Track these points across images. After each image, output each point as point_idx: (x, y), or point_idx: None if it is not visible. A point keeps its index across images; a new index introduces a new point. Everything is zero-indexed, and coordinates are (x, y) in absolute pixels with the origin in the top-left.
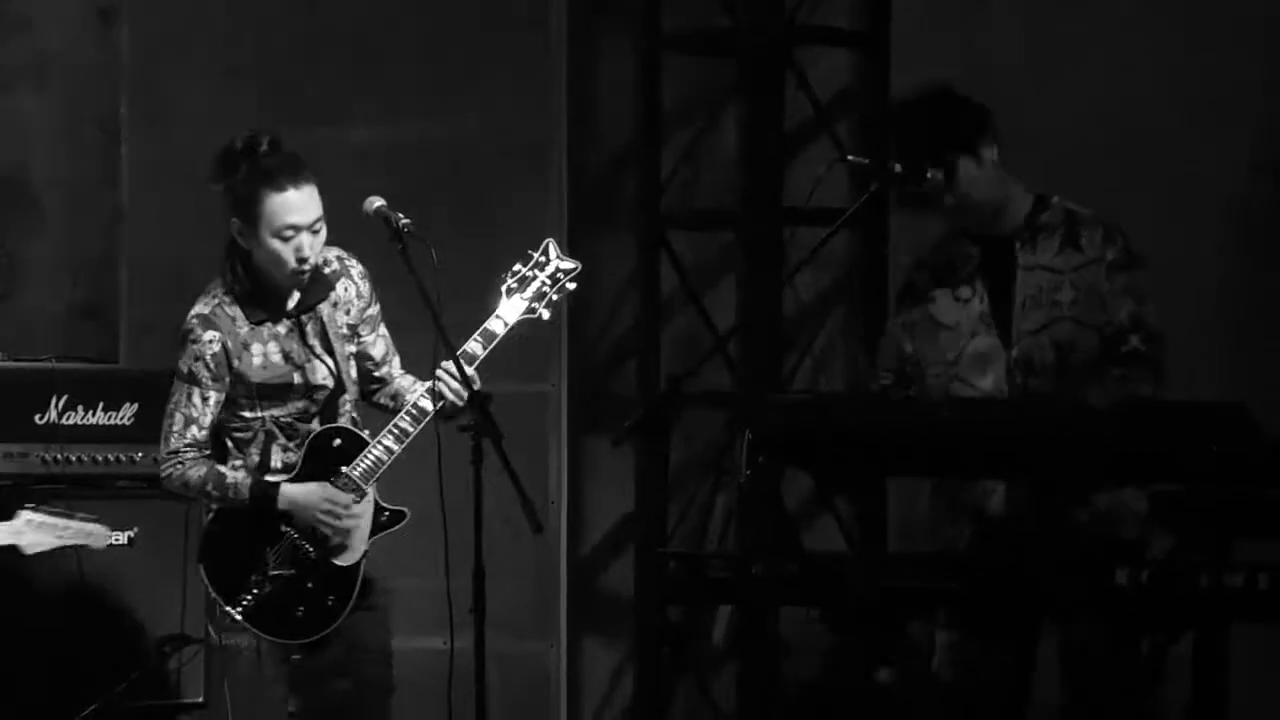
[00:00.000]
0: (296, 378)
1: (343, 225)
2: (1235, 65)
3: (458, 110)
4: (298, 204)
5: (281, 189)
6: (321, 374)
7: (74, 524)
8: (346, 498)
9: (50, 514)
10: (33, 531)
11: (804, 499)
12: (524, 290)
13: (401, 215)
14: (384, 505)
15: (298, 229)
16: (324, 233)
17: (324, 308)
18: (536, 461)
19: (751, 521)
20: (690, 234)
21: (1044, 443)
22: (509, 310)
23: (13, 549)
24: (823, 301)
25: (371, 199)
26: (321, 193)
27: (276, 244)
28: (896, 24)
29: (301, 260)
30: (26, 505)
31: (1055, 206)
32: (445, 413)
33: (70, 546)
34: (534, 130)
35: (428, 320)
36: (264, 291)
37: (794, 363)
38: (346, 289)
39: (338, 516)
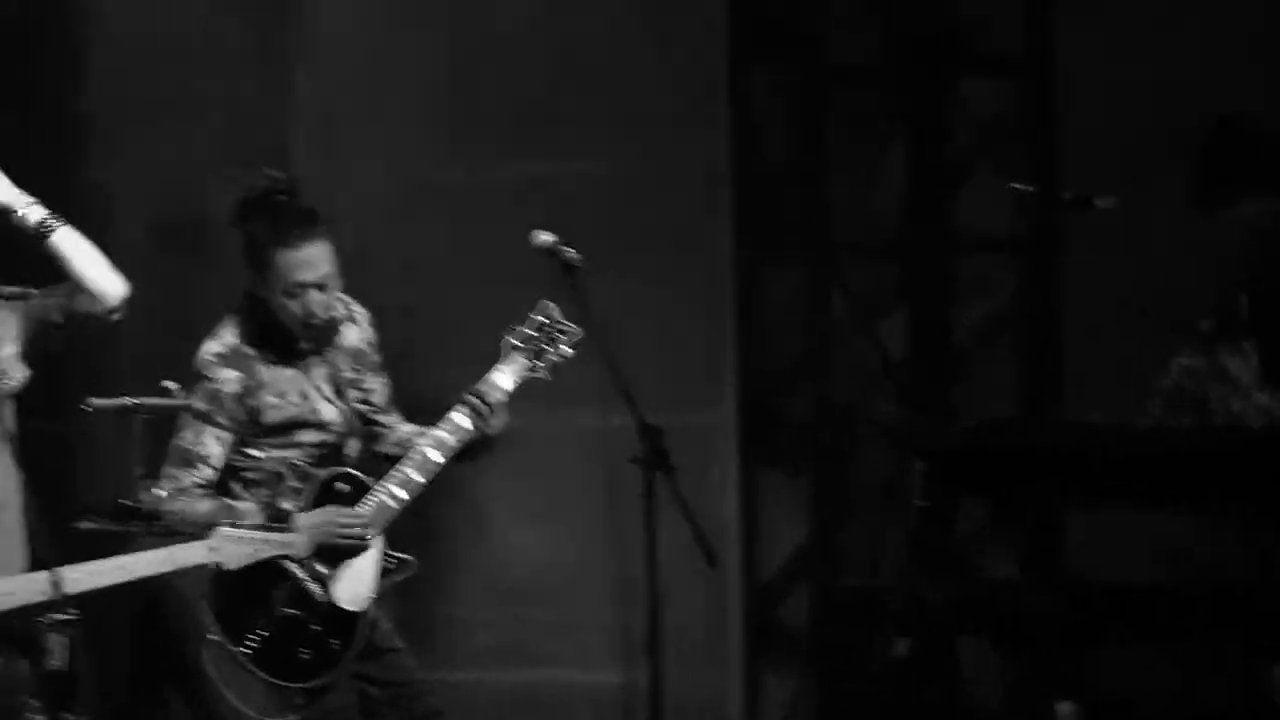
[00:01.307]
0: (308, 420)
1: (514, 259)
2: None
3: (623, 145)
4: (307, 261)
5: (293, 246)
6: (330, 417)
7: (272, 535)
8: (359, 514)
9: (246, 528)
10: (231, 545)
11: (979, 526)
12: (527, 349)
13: (569, 249)
14: (391, 554)
15: (305, 286)
16: (336, 287)
17: (332, 352)
18: (709, 493)
19: (926, 550)
20: (858, 262)
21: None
22: (511, 367)
23: (216, 566)
24: (990, 329)
25: (540, 233)
26: (491, 226)
27: (284, 300)
28: (1062, 52)
29: (310, 315)
30: (223, 522)
31: None
32: (459, 455)
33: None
34: (700, 163)
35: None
36: (276, 336)
37: (963, 391)
38: (353, 334)
39: (353, 526)
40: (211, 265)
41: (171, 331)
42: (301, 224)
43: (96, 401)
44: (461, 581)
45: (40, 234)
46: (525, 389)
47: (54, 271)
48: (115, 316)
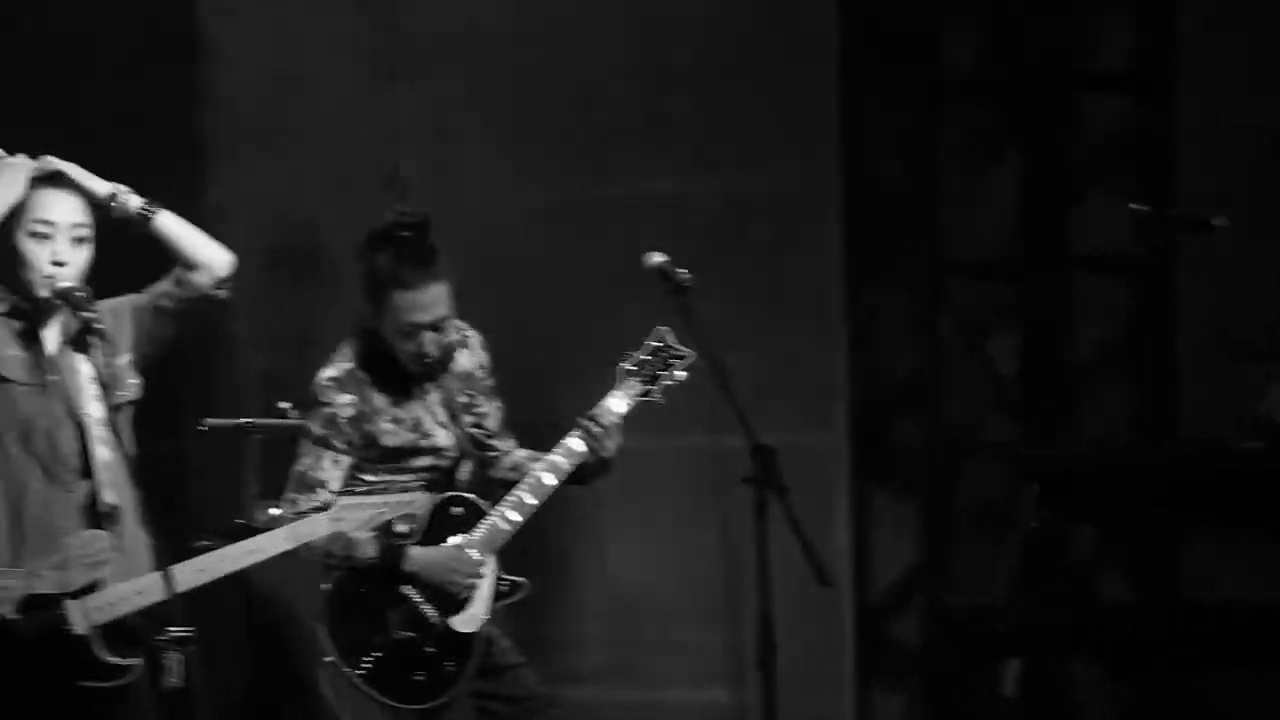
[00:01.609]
0: (422, 444)
1: (628, 278)
2: None
3: (734, 165)
4: (422, 304)
5: (410, 288)
6: (444, 442)
7: (392, 497)
8: (473, 559)
9: (359, 495)
10: (353, 511)
11: (1091, 548)
12: (640, 373)
13: (681, 270)
14: (504, 576)
15: (420, 328)
16: (450, 328)
17: (447, 378)
18: (820, 512)
19: (1040, 572)
20: (970, 282)
21: None
22: (625, 392)
23: (340, 535)
24: (1104, 351)
25: (652, 254)
26: (604, 245)
27: (400, 338)
28: (1181, 68)
29: (423, 356)
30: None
31: None
32: (572, 476)
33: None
34: (809, 182)
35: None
36: (392, 363)
37: (1075, 413)
38: (468, 359)
39: (465, 576)
40: (326, 288)
41: (286, 353)
42: (420, 265)
43: (213, 422)
44: (574, 600)
45: (143, 217)
46: (638, 410)
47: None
48: (224, 292)
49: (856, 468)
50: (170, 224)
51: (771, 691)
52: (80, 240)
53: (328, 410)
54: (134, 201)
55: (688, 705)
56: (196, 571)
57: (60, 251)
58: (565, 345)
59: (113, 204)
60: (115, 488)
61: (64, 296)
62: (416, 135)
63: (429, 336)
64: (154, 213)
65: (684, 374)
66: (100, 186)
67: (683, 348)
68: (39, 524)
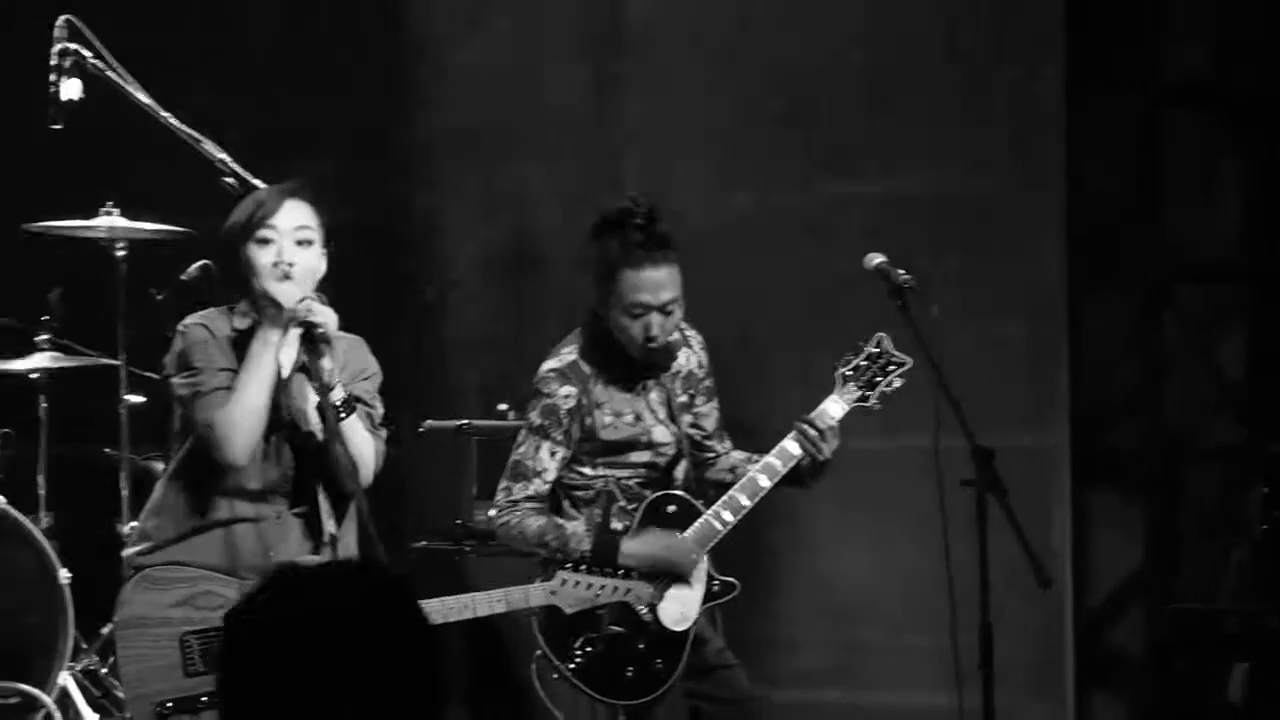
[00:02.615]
0: (642, 440)
1: (847, 280)
2: None
3: (955, 167)
4: (652, 284)
5: (639, 267)
6: (663, 439)
7: (611, 582)
8: (687, 554)
9: (587, 573)
10: (571, 590)
11: None
12: (858, 379)
13: (902, 271)
14: (715, 575)
15: (648, 308)
16: (678, 314)
17: (667, 376)
18: (1040, 516)
19: (1268, 574)
20: (1193, 287)
21: None
22: (844, 396)
23: (554, 609)
24: None
25: (872, 255)
26: (823, 247)
27: (626, 320)
28: None
29: (650, 339)
30: (564, 566)
31: None
32: (790, 478)
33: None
34: (1033, 184)
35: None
36: (615, 356)
37: None
38: (688, 359)
39: (678, 565)
40: (544, 290)
41: (504, 355)
42: (651, 246)
43: (432, 423)
44: (790, 602)
45: (338, 412)
46: (855, 414)
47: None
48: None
49: (1077, 470)
50: (355, 426)
51: (991, 695)
52: (303, 243)
53: (548, 401)
54: (340, 395)
55: (906, 708)
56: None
57: (285, 251)
58: (783, 347)
59: (329, 388)
60: (338, 516)
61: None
62: (634, 143)
63: (655, 319)
64: (352, 409)
65: (902, 381)
66: (328, 367)
67: (901, 354)
68: (254, 537)
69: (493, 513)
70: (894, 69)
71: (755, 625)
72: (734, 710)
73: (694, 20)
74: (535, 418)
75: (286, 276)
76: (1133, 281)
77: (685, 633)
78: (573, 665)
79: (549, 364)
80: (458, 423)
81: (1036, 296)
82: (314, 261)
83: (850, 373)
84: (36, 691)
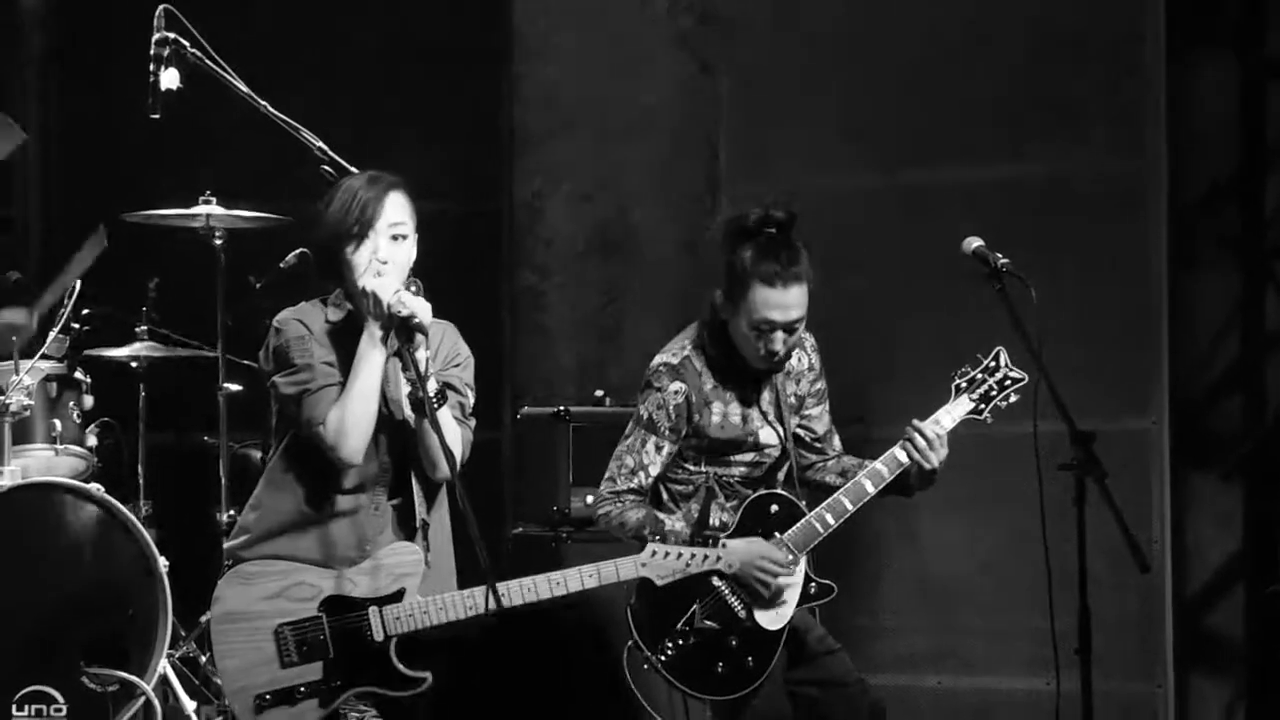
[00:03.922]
0: (749, 441)
1: (947, 262)
2: None
3: (1054, 148)
4: (782, 303)
5: (771, 284)
6: (769, 440)
7: (701, 550)
8: (784, 557)
9: (673, 545)
10: (661, 561)
11: None
12: (972, 391)
13: (1000, 255)
14: (813, 577)
15: (775, 325)
16: (800, 330)
17: (779, 377)
18: (1139, 499)
19: None
20: None
21: None
22: (956, 408)
23: (647, 593)
24: None
25: (970, 239)
26: (927, 231)
27: (750, 332)
28: None
29: (771, 354)
30: (650, 535)
31: None
32: (893, 487)
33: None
34: (1131, 166)
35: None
36: (729, 356)
37: None
38: (800, 361)
39: (774, 574)
40: (642, 277)
41: (601, 341)
42: (786, 264)
43: (529, 410)
44: (890, 588)
45: (433, 402)
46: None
47: None
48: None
49: (1176, 454)
50: (444, 415)
51: (1089, 679)
52: (398, 238)
53: (658, 395)
54: (434, 387)
55: (1006, 692)
56: (502, 595)
57: (381, 250)
58: (887, 330)
59: (424, 379)
60: (429, 502)
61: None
62: (731, 124)
63: (780, 336)
64: (445, 400)
65: (1017, 397)
66: (423, 357)
67: (1019, 371)
68: (351, 529)
69: (593, 500)
70: (994, 51)
71: (855, 611)
72: (838, 693)
73: (789, 7)
74: (644, 411)
75: (380, 274)
76: (1234, 260)
77: (779, 632)
78: (664, 657)
79: (661, 358)
80: (555, 409)
81: (1137, 278)
82: (407, 255)
83: (966, 384)
84: (136, 679)
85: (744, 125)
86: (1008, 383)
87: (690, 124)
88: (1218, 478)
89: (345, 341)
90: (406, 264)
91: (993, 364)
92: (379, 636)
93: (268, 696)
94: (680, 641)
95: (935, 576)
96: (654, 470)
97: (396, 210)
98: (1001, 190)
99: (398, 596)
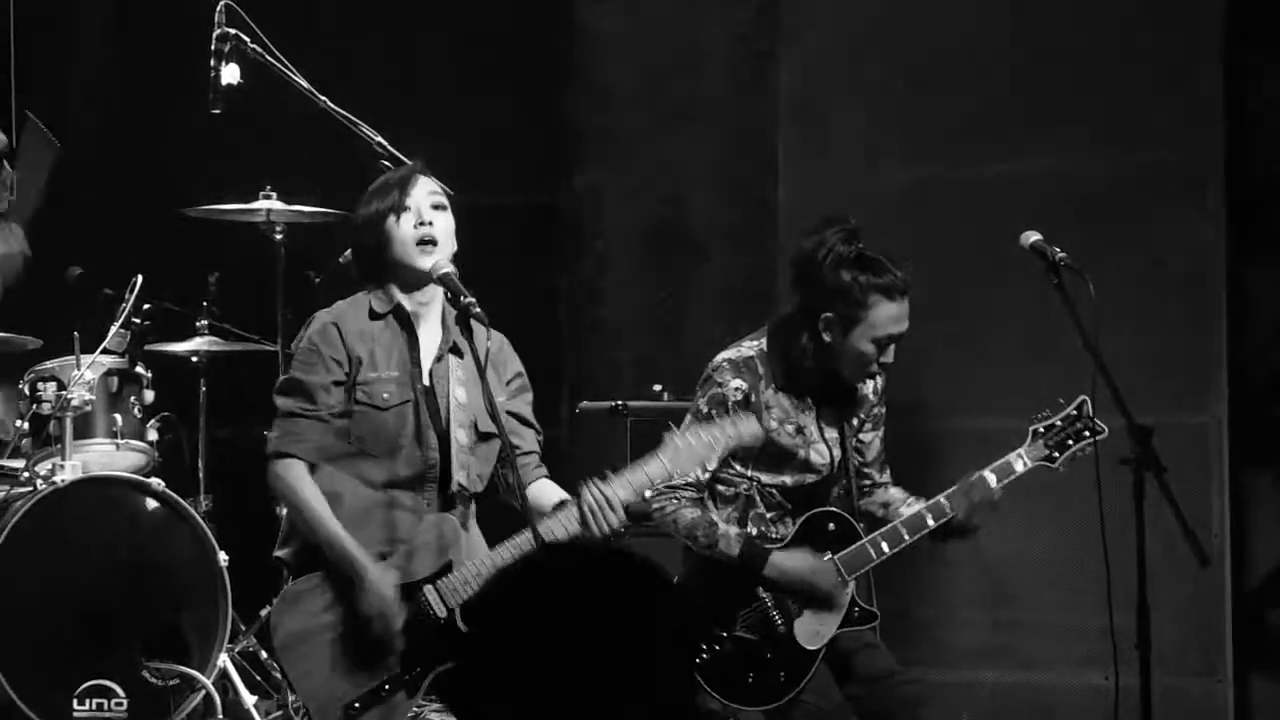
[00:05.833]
0: (800, 453)
1: (1002, 256)
2: None
3: (1113, 141)
4: (901, 315)
5: (893, 298)
6: (821, 457)
7: (722, 429)
8: (833, 578)
9: (693, 430)
10: (684, 455)
11: None
12: (1049, 437)
13: (1058, 249)
14: (859, 602)
15: (894, 339)
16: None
17: (842, 396)
18: (1198, 494)
19: None
20: None
21: None
22: (1031, 452)
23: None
24: None
25: (1028, 233)
26: (980, 221)
27: (869, 347)
28: None
29: (884, 365)
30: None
31: None
32: (945, 531)
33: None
34: (1191, 157)
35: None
36: (794, 366)
37: None
38: (866, 383)
39: (823, 591)
40: (699, 271)
41: (660, 336)
42: (902, 279)
43: (587, 404)
44: (947, 583)
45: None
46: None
47: None
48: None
49: (1235, 448)
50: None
51: (1148, 674)
52: (438, 207)
53: (718, 390)
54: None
55: (1064, 688)
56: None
57: (424, 213)
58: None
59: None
60: (467, 471)
61: (443, 283)
62: (786, 117)
63: (892, 349)
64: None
65: (1092, 449)
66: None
67: (1101, 424)
68: (385, 526)
69: (650, 494)
70: (1050, 41)
71: (913, 605)
72: (879, 688)
73: None
74: (703, 405)
75: (428, 240)
76: None
77: (815, 652)
78: (699, 660)
79: (725, 354)
80: (612, 403)
81: (1195, 271)
82: (450, 223)
83: (1044, 429)
84: (195, 673)
85: (802, 118)
86: (1086, 434)
87: (748, 117)
88: (1277, 473)
89: (385, 334)
90: (451, 232)
91: (1073, 412)
92: (441, 613)
93: (356, 705)
94: (716, 646)
95: (993, 572)
96: (710, 464)
97: (431, 183)
98: (1060, 183)
99: (446, 569)
